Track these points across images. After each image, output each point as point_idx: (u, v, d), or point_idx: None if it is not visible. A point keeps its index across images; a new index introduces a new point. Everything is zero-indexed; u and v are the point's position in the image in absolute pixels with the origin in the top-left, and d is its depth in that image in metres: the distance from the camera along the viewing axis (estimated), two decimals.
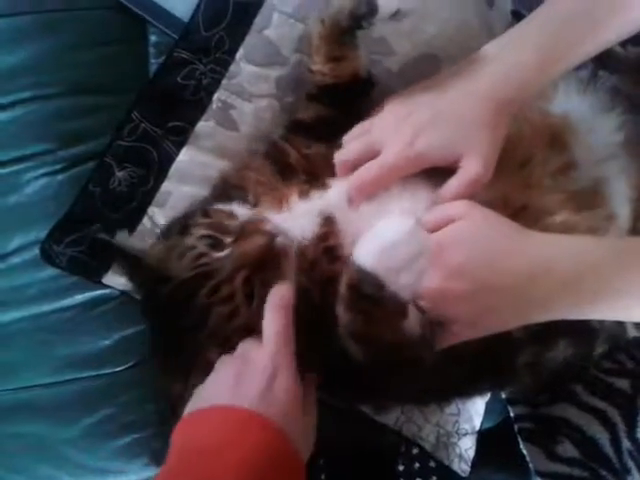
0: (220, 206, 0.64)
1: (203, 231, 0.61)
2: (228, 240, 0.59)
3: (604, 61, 0.77)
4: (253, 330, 0.57)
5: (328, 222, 0.62)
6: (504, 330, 0.59)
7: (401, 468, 1.04)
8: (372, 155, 0.62)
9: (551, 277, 0.55)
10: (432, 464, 1.05)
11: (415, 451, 1.05)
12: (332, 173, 0.65)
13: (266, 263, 0.59)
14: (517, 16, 0.80)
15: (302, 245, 0.61)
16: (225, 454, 0.46)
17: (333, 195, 0.64)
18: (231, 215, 0.62)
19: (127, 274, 0.70)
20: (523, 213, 0.64)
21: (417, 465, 1.04)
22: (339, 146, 0.66)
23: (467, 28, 0.76)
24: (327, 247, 0.61)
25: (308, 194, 0.64)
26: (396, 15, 0.64)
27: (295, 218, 0.62)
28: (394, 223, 0.52)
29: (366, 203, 0.62)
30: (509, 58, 0.62)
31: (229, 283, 0.58)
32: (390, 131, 0.62)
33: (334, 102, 0.69)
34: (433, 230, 0.57)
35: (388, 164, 0.60)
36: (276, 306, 0.56)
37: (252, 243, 0.59)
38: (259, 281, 0.59)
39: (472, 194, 0.60)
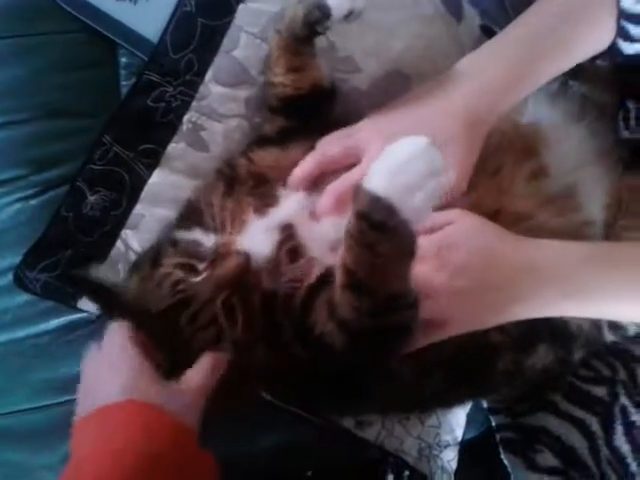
0: (185, 234, 0.64)
1: (176, 259, 0.60)
2: (202, 265, 0.59)
3: (574, 71, 0.78)
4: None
5: (286, 229, 0.63)
6: (490, 326, 0.61)
7: (390, 478, 1.04)
8: (349, 162, 0.63)
9: (538, 274, 0.59)
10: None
11: (406, 473, 1.05)
12: (282, 175, 0.66)
13: (243, 282, 0.59)
14: (485, 30, 0.81)
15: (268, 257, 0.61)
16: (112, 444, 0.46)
17: (287, 206, 0.65)
18: (199, 242, 0.62)
19: (104, 310, 0.70)
20: (497, 217, 0.65)
21: (407, 473, 1.05)
22: (296, 149, 0.68)
23: (435, 44, 0.77)
24: (288, 250, 0.62)
25: (264, 211, 0.64)
26: (349, 16, 0.63)
27: (255, 235, 0.63)
28: (407, 142, 0.46)
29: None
30: (482, 75, 0.64)
31: (209, 306, 0.58)
32: (370, 141, 0.63)
33: (296, 113, 0.70)
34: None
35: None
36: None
37: (228, 265, 0.58)
38: (239, 300, 0.59)
39: (448, 203, 0.61)
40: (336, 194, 0.62)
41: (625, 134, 0.75)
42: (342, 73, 0.73)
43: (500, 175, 0.69)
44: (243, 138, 0.74)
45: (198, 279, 0.59)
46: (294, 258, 0.61)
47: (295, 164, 0.66)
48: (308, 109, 0.70)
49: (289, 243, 0.62)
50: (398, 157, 0.46)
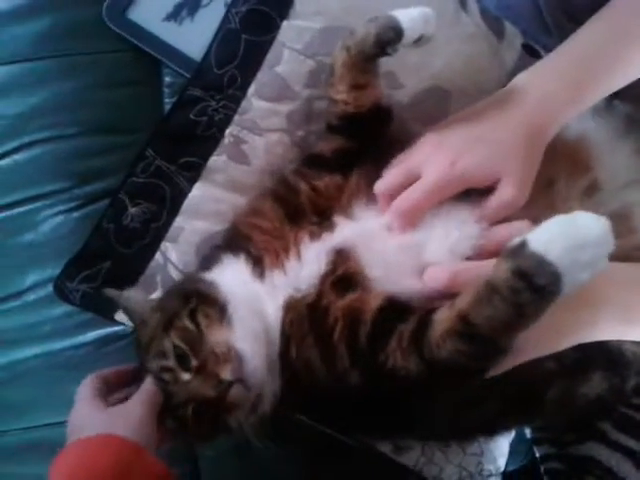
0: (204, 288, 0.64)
1: (177, 340, 0.60)
2: (194, 363, 0.59)
3: (619, 91, 0.77)
4: None
5: (339, 254, 0.62)
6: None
7: None
8: (412, 181, 0.62)
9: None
10: None
11: None
12: (346, 203, 0.65)
13: (217, 405, 0.59)
14: (527, 49, 0.80)
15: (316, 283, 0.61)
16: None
17: (344, 231, 0.63)
18: (208, 316, 0.61)
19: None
20: None
21: None
22: (356, 177, 0.67)
23: (476, 61, 0.76)
24: (338, 278, 0.60)
25: (320, 235, 0.63)
26: (420, 41, 0.63)
27: (303, 264, 0.62)
28: (593, 220, 0.47)
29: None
30: (542, 90, 0.63)
31: (182, 409, 0.59)
32: (429, 156, 0.62)
33: (355, 132, 0.69)
34: (496, 251, 0.56)
35: (430, 185, 0.60)
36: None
37: (206, 388, 0.58)
38: (209, 415, 0.59)
39: (507, 216, 0.61)
40: (399, 211, 0.61)
41: None
42: (386, 88, 0.73)
43: (554, 189, 0.67)
44: (284, 152, 0.74)
45: (185, 378, 0.59)
46: (347, 285, 0.60)
47: (357, 190, 0.66)
48: (366, 129, 0.69)
49: (342, 268, 0.61)
50: (583, 233, 0.47)
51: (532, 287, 0.46)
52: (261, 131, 0.74)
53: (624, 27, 0.65)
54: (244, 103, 0.73)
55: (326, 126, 0.71)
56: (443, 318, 0.52)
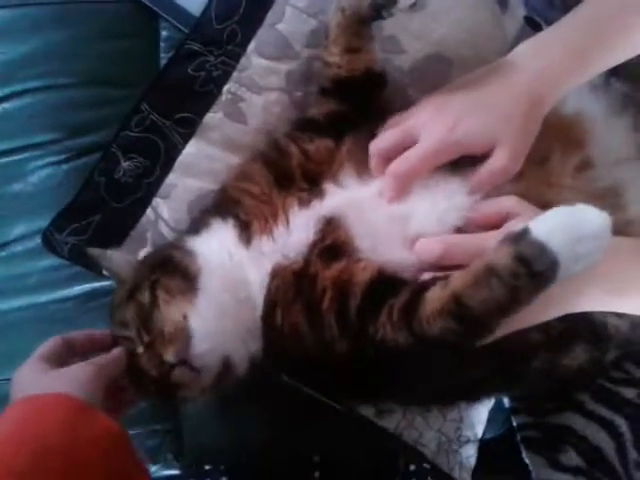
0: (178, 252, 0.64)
1: (133, 313, 0.60)
2: (145, 340, 0.59)
3: (616, 69, 0.77)
4: None
5: (329, 223, 0.61)
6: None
7: (412, 467, 1.02)
8: (408, 143, 0.61)
9: None
10: None
11: (412, 468, 1.03)
12: (337, 169, 0.65)
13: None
14: (529, 22, 0.80)
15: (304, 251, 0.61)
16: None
17: (334, 200, 0.63)
18: (169, 290, 0.61)
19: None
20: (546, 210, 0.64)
21: (427, 466, 1.03)
22: (348, 143, 0.66)
23: (479, 30, 0.76)
24: (326, 247, 0.61)
25: (309, 203, 0.63)
26: (414, 6, 0.64)
27: (291, 232, 0.62)
28: (595, 214, 0.49)
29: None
30: (546, 58, 0.63)
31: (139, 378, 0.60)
32: (428, 119, 0.62)
33: (347, 97, 0.69)
34: (484, 224, 0.59)
35: (428, 149, 0.60)
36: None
37: (150, 367, 0.58)
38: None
39: (499, 184, 0.61)
40: (395, 175, 0.61)
41: None
42: (386, 53, 0.72)
43: (548, 165, 0.67)
44: (282, 112, 0.73)
45: (139, 351, 0.59)
46: (335, 254, 0.60)
47: (347, 157, 0.65)
48: (359, 93, 0.69)
49: (331, 237, 0.61)
50: (585, 227, 0.48)
51: (531, 272, 0.48)
52: (260, 89, 0.73)
53: None
54: (243, 60, 0.72)
55: (319, 89, 0.71)
56: (435, 297, 0.53)
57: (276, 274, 0.61)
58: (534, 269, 0.48)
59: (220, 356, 0.59)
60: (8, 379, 0.79)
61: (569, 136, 0.70)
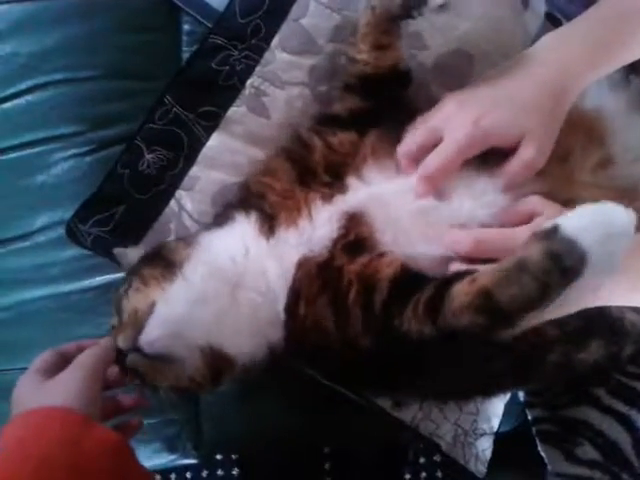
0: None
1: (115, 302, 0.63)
2: (115, 320, 0.62)
3: (634, 65, 0.78)
4: None
5: (351, 219, 0.62)
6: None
7: (408, 477, 1.03)
8: (434, 142, 0.62)
9: None
10: (439, 474, 1.04)
11: (422, 460, 1.04)
12: (360, 164, 0.65)
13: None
14: (550, 18, 0.80)
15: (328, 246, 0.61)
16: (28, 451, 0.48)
17: (357, 195, 0.63)
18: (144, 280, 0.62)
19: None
20: (568, 208, 0.64)
21: (424, 475, 1.04)
22: (372, 137, 0.66)
23: (501, 26, 0.76)
24: (350, 242, 0.61)
25: (332, 197, 0.63)
26: (444, 6, 0.65)
27: (315, 226, 0.62)
28: (623, 213, 0.49)
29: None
30: (568, 50, 0.64)
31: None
32: (452, 115, 0.62)
33: (372, 93, 0.69)
34: (511, 222, 0.59)
35: (455, 145, 0.60)
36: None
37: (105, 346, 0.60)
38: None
39: (526, 177, 0.62)
40: (426, 175, 0.61)
41: None
42: (410, 49, 0.73)
43: (569, 162, 0.68)
44: (304, 106, 0.74)
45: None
46: (359, 249, 0.61)
47: (371, 152, 0.65)
48: (384, 90, 0.69)
49: (354, 233, 0.61)
50: (614, 224, 0.49)
51: (561, 268, 0.48)
52: (283, 84, 0.73)
53: None
54: (267, 54, 0.73)
55: (343, 85, 0.71)
56: (463, 292, 0.53)
57: (301, 266, 0.61)
58: (564, 265, 0.48)
59: (195, 345, 0.59)
60: (25, 367, 0.82)
61: (589, 133, 0.70)
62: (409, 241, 0.61)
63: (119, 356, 0.59)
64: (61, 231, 0.76)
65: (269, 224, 0.64)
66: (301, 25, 0.73)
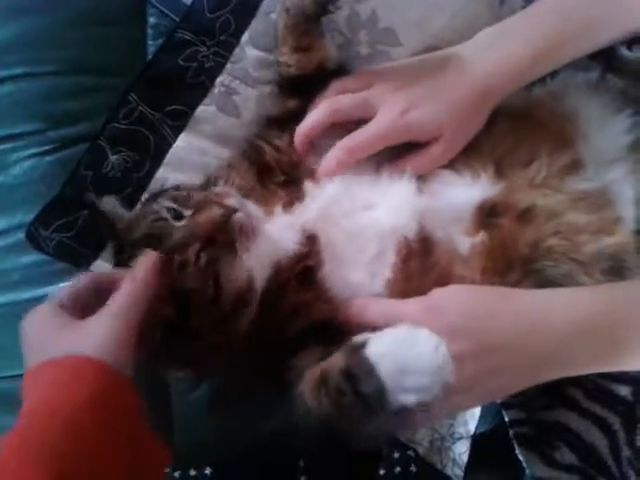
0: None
1: (167, 202, 0.59)
2: (188, 212, 0.58)
3: (612, 65, 0.77)
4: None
5: (310, 241, 0.62)
6: (507, 395, 0.61)
7: (382, 472, 1.02)
8: (366, 114, 0.63)
9: (549, 336, 0.56)
10: (413, 468, 1.03)
11: (396, 455, 1.03)
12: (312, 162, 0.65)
13: (218, 238, 0.56)
14: None
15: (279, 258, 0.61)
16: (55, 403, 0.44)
17: (314, 207, 0.63)
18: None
19: (103, 236, 0.69)
20: (530, 214, 0.64)
21: (398, 469, 1.03)
22: None
23: (476, 23, 0.74)
24: (305, 267, 0.61)
25: (291, 206, 0.63)
26: None
27: (279, 230, 0.62)
28: (429, 347, 0.45)
29: (341, 192, 0.63)
30: (503, 48, 0.64)
31: (180, 254, 0.55)
32: (387, 97, 0.63)
33: (301, 93, 0.68)
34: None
35: (379, 130, 0.62)
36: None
37: (206, 215, 0.56)
38: (208, 256, 0.55)
39: (428, 171, 0.64)
40: (347, 150, 0.62)
41: None
42: (383, 45, 0.71)
43: (533, 167, 0.67)
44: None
45: (179, 224, 0.57)
46: (305, 283, 0.61)
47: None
48: (313, 90, 0.68)
49: (307, 260, 0.61)
50: (415, 359, 0.45)
51: (356, 391, 0.45)
52: (253, 82, 0.71)
53: None
54: (237, 51, 0.70)
55: (276, 87, 0.71)
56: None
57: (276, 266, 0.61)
58: (359, 389, 0.45)
59: None
60: None
61: (559, 136, 0.69)
62: (346, 269, 0.61)
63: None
64: (20, 235, 0.73)
65: None
66: (272, 20, 0.70)
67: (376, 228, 0.62)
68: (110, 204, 0.65)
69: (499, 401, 0.85)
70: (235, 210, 0.56)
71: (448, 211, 0.64)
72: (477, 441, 0.84)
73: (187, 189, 0.63)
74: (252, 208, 0.59)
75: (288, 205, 0.63)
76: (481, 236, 0.62)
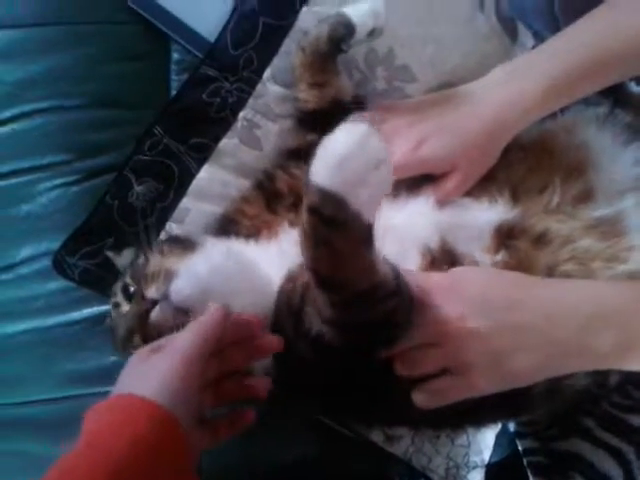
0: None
1: (127, 279, 0.62)
2: (132, 290, 0.61)
3: (620, 99, 0.79)
4: None
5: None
6: (532, 381, 0.59)
7: None
8: None
9: (571, 317, 0.56)
10: None
11: None
12: None
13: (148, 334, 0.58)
14: None
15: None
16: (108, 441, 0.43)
17: None
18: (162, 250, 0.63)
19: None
20: (544, 239, 0.65)
21: None
22: None
23: (488, 61, 0.76)
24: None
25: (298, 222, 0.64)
26: (372, 34, 0.67)
27: (284, 250, 0.63)
28: (347, 130, 0.44)
29: None
30: (516, 86, 0.65)
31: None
32: (400, 133, 0.65)
33: (319, 127, 0.70)
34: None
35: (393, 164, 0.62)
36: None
37: (131, 310, 0.59)
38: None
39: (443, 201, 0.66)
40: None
41: None
42: (399, 82, 0.73)
43: (547, 193, 0.69)
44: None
45: (124, 310, 0.60)
46: None
47: None
48: (331, 124, 0.70)
49: None
50: (340, 148, 0.44)
51: (324, 220, 0.45)
52: (275, 117, 0.73)
53: (614, 27, 0.65)
54: (259, 87, 0.73)
55: (295, 121, 0.73)
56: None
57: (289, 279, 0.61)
58: (324, 215, 0.44)
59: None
60: (13, 403, 0.79)
61: (572, 166, 0.71)
62: None
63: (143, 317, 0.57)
64: (46, 262, 0.75)
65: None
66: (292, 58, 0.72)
67: (394, 233, 0.63)
68: (126, 259, 0.69)
69: (513, 430, 0.86)
70: (154, 303, 0.57)
71: (469, 228, 0.65)
72: (492, 470, 0.85)
73: (173, 244, 0.65)
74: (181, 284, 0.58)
75: (295, 222, 0.64)
76: (502, 255, 0.64)
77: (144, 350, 0.52)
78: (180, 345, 0.50)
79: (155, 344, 0.53)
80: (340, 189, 0.44)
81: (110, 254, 0.72)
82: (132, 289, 0.61)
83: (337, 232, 0.45)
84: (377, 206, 0.46)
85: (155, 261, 0.61)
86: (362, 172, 0.44)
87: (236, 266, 0.62)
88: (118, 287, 0.63)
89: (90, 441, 0.44)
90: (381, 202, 0.46)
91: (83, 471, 0.42)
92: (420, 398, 0.59)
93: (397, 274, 0.52)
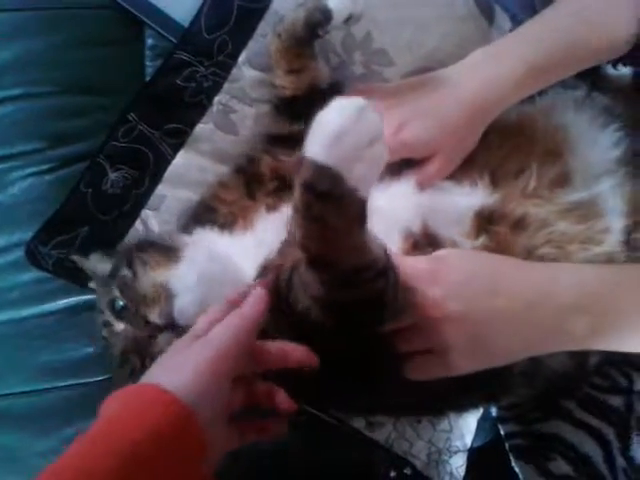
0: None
1: (115, 290, 0.61)
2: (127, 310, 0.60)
3: (597, 82, 0.79)
4: None
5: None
6: (510, 361, 0.59)
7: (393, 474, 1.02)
8: None
9: (550, 303, 0.57)
10: None
11: (392, 474, 1.03)
12: None
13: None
14: None
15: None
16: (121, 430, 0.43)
17: None
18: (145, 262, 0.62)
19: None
20: (523, 223, 0.65)
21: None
22: None
23: (465, 44, 0.76)
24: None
25: (275, 207, 0.65)
26: (349, 20, 0.65)
27: (260, 236, 0.63)
28: (342, 105, 0.44)
29: None
30: (492, 69, 0.65)
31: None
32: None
33: (297, 114, 0.70)
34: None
35: None
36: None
37: (132, 332, 0.59)
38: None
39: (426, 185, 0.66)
40: None
41: None
42: (376, 65, 0.73)
43: (524, 177, 0.69)
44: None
45: (119, 327, 0.60)
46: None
47: None
48: (308, 110, 0.69)
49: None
50: (336, 122, 0.44)
51: (318, 196, 0.44)
52: (251, 101, 0.72)
53: (588, 10, 0.66)
54: (234, 71, 0.72)
55: (273, 107, 0.72)
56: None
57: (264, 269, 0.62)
58: (318, 190, 0.44)
59: None
60: None
61: (549, 149, 0.71)
62: None
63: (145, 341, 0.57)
64: (19, 253, 0.73)
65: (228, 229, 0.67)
66: (268, 42, 0.71)
67: (377, 216, 0.61)
68: (93, 263, 0.68)
69: (494, 414, 0.86)
70: (160, 330, 0.57)
71: (450, 212, 0.65)
72: (474, 455, 0.85)
73: (152, 249, 0.64)
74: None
75: (273, 206, 0.65)
76: (482, 240, 0.64)
77: (186, 338, 0.51)
78: (219, 340, 0.49)
79: (198, 329, 0.51)
80: (336, 164, 0.43)
81: (76, 258, 0.71)
82: (121, 304, 0.60)
83: (331, 208, 0.45)
84: (372, 182, 0.46)
85: (147, 279, 0.59)
86: (358, 147, 0.44)
87: (219, 266, 0.62)
88: (104, 303, 0.61)
89: (102, 428, 0.44)
90: (376, 178, 0.46)
91: (89, 458, 0.41)
92: (406, 369, 0.60)
93: (387, 254, 0.52)
